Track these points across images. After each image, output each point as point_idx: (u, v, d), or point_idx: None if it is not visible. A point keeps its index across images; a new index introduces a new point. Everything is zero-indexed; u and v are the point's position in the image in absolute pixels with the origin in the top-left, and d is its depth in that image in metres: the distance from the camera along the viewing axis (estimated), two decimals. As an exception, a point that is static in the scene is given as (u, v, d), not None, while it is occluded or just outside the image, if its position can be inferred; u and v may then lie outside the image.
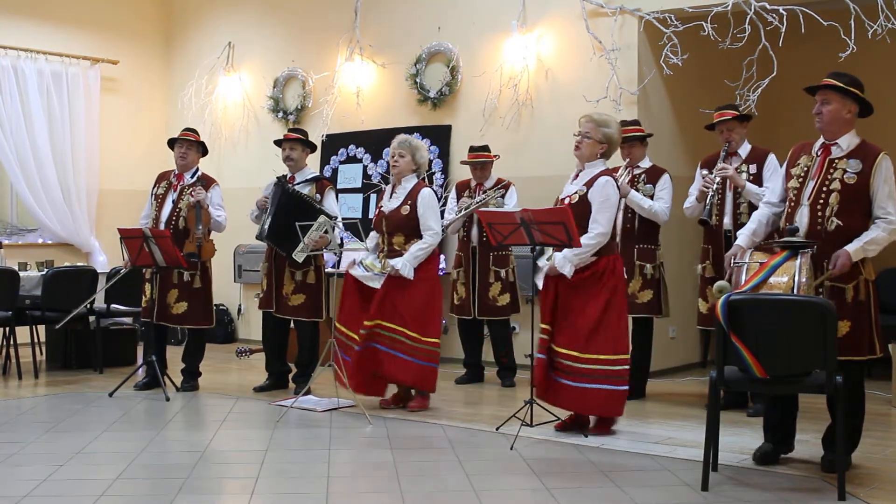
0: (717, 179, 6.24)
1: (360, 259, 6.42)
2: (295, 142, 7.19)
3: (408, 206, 6.25)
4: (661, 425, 5.90)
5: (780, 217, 4.88)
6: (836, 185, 4.63)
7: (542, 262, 5.60)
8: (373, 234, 6.52)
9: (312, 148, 7.39)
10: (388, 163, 8.91)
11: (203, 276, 7.17)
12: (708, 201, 6.26)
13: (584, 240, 5.34)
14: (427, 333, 6.19)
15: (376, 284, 6.23)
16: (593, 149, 5.52)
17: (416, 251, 6.19)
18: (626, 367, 5.46)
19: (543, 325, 5.59)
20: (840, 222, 4.59)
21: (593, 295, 5.44)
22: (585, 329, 5.42)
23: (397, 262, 6.15)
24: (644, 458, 5.06)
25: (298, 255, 6.44)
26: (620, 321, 5.52)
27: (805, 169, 4.76)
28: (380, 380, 6.35)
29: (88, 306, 7.70)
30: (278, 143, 7.35)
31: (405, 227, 6.25)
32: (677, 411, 6.37)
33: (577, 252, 5.37)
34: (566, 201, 5.51)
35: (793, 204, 4.75)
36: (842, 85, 4.68)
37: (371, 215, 8.92)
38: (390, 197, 6.38)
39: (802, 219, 4.68)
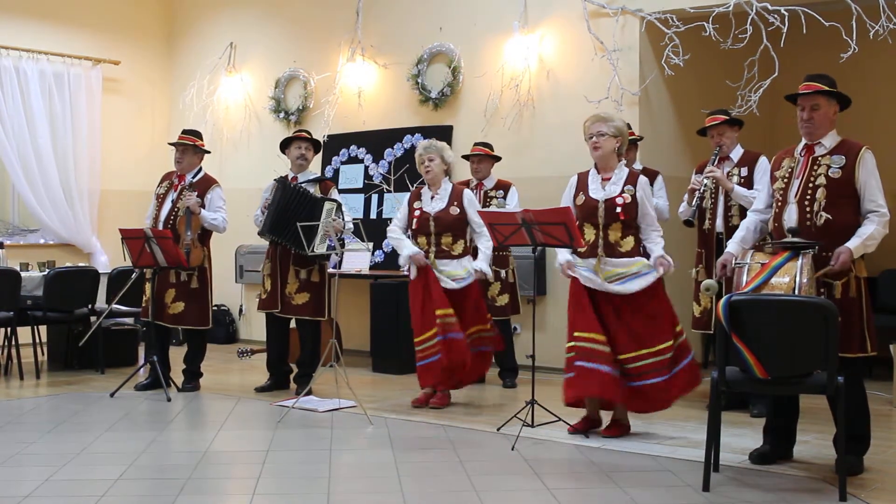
0: (706, 182, 6.28)
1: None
2: (309, 141, 7.24)
3: (457, 207, 6.44)
4: (663, 425, 5.90)
5: (768, 223, 4.92)
6: (821, 180, 4.68)
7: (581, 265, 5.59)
8: (398, 233, 6.54)
9: (318, 149, 7.44)
10: (389, 165, 9.06)
11: (201, 278, 7.16)
12: (695, 203, 6.30)
13: (660, 240, 5.53)
14: (484, 321, 6.48)
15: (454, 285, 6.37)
16: (611, 144, 5.53)
17: (488, 251, 6.44)
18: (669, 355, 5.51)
19: (594, 336, 5.43)
20: (829, 216, 4.62)
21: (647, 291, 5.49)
22: (643, 327, 5.45)
23: (482, 266, 6.41)
24: (645, 459, 5.06)
25: (319, 248, 6.42)
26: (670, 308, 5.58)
27: (789, 170, 4.82)
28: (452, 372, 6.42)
29: (105, 311, 7.66)
30: (284, 144, 7.34)
31: (455, 227, 6.43)
32: (678, 412, 6.35)
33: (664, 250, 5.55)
34: (619, 202, 5.48)
35: (780, 204, 4.79)
36: (828, 88, 4.74)
37: (373, 216, 8.98)
38: (431, 199, 6.48)
39: (791, 216, 4.72)
